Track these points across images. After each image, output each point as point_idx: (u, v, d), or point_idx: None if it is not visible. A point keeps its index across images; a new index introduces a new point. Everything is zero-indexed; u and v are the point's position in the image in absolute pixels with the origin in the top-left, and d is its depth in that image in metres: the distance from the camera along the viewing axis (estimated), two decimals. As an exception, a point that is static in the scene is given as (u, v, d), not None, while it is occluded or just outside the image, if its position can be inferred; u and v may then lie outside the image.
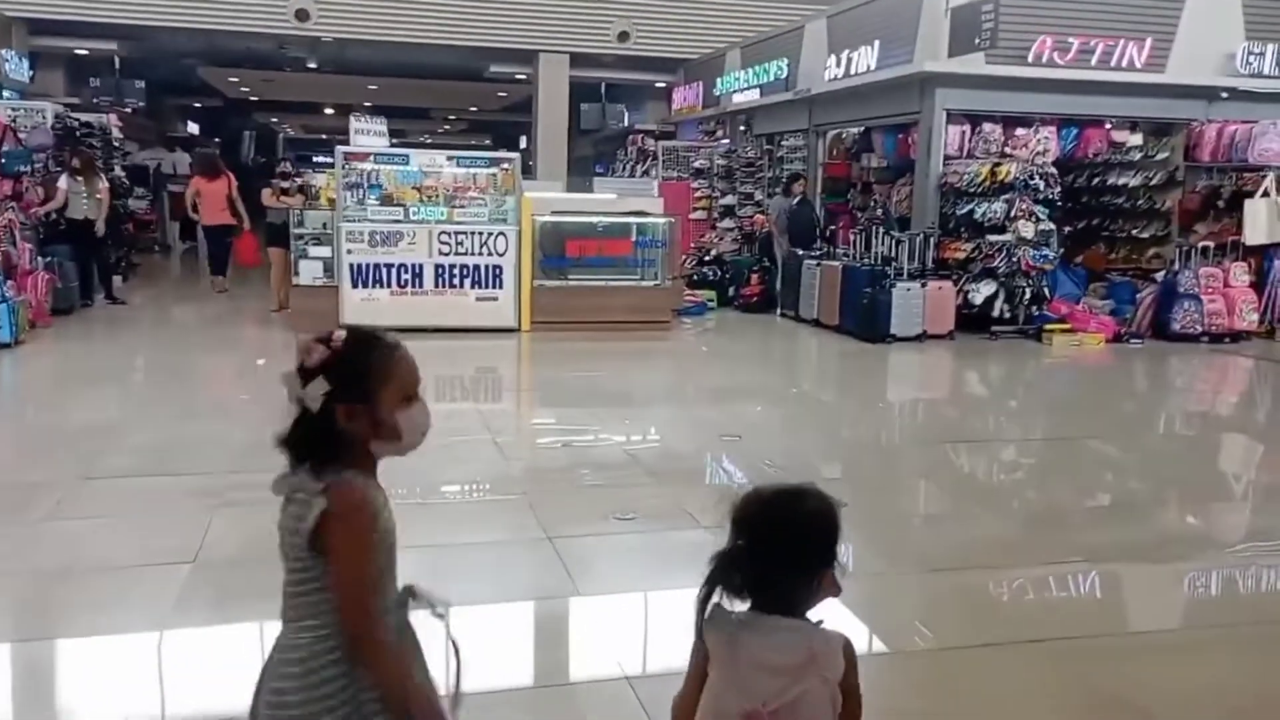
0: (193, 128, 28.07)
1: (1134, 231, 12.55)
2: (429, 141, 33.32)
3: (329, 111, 32.12)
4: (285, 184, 11.82)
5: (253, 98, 28.75)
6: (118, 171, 14.50)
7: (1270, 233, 10.89)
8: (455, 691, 1.82)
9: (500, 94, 24.61)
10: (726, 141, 16.68)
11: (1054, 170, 10.95)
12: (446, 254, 10.23)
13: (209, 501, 4.88)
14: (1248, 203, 10.89)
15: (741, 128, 16.06)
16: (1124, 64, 11.21)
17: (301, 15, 16.83)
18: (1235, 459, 7.18)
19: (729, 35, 17.41)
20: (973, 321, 10.66)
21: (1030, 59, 10.98)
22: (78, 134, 13.52)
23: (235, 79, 24.67)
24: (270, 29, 17.20)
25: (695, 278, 13.13)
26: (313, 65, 20.44)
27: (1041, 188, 10.70)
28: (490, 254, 10.32)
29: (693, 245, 14.28)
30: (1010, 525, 5.19)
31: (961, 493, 5.80)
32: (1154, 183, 12.15)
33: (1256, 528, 5.38)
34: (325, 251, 10.26)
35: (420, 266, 10.20)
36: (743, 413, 7.47)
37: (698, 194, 16.14)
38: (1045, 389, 9.41)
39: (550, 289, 10.59)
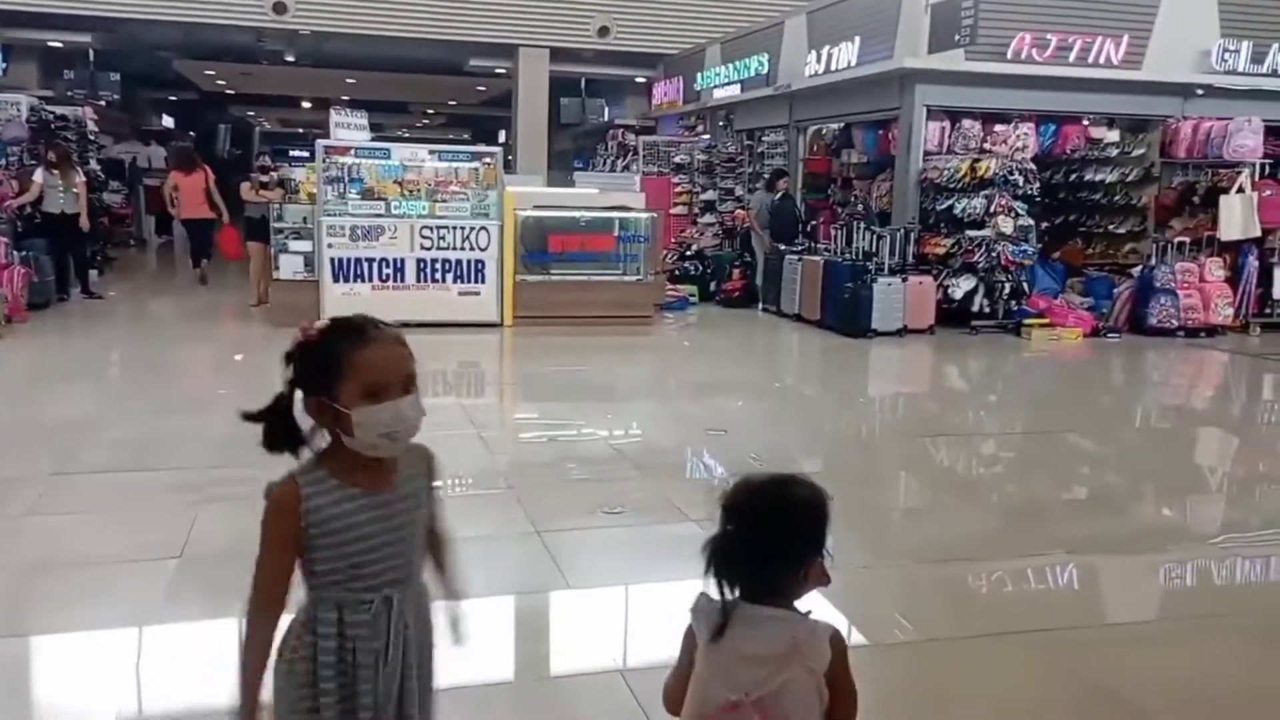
0: (168, 121, 27.76)
1: (1111, 227, 12.68)
2: (407, 135, 33.14)
3: (306, 105, 31.89)
4: (264, 178, 11.74)
5: (229, 91, 28.48)
6: (93, 165, 14.36)
7: (1245, 228, 11.03)
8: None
9: (479, 88, 24.49)
10: (707, 137, 16.70)
11: (1033, 166, 11.05)
12: (428, 249, 10.20)
13: (192, 496, 4.85)
14: (1223, 199, 11.02)
15: (722, 123, 16.08)
16: (1101, 61, 11.31)
17: (279, 8, 16.68)
18: (1211, 452, 7.27)
19: (709, 30, 17.41)
20: (953, 316, 10.74)
21: (1009, 55, 11.05)
22: (52, 127, 13.37)
23: (212, 72, 24.42)
24: (247, 22, 17.02)
25: (677, 273, 13.15)
26: (290, 58, 20.28)
27: (1020, 183, 10.79)
28: (472, 249, 10.29)
29: (673, 240, 14.30)
30: (991, 518, 5.24)
31: (943, 486, 5.85)
32: (1130, 179, 12.28)
33: (1233, 519, 5.46)
34: (306, 246, 10.20)
35: (402, 261, 10.16)
36: (727, 407, 7.49)
37: (678, 189, 16.16)
38: (1025, 383, 9.50)
39: (533, 284, 10.58)
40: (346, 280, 10.05)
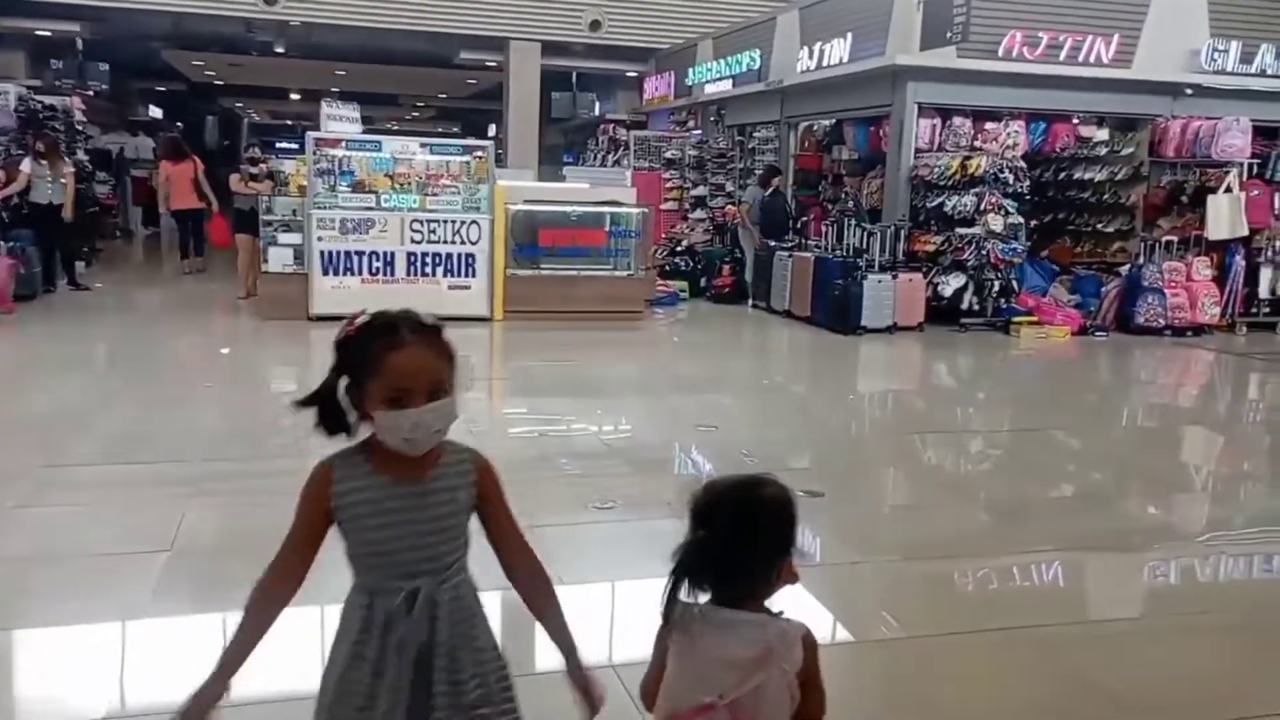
0: (156, 112, 27.62)
1: (1099, 226, 12.72)
2: (396, 128, 33.04)
3: (295, 97, 31.76)
4: (253, 170, 11.69)
5: (218, 82, 28.36)
6: (80, 155, 14.26)
7: (1232, 228, 11.09)
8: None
9: (470, 81, 24.43)
10: (698, 132, 16.69)
11: (1023, 164, 11.09)
12: (419, 242, 10.17)
13: (181, 490, 4.84)
14: (1210, 198, 11.08)
15: (713, 119, 16.08)
16: (1091, 59, 11.36)
17: (269, -1, 16.62)
18: (1197, 450, 7.32)
19: (701, 25, 17.41)
20: (942, 313, 10.78)
21: (1000, 53, 11.09)
22: (40, 117, 13.28)
23: (200, 62, 24.31)
24: (237, 12, 16.96)
25: (667, 268, 13.16)
26: (280, 50, 20.17)
27: (1011, 181, 10.83)
28: (463, 242, 10.27)
29: (664, 236, 14.30)
30: (979, 515, 5.27)
31: (931, 483, 5.88)
32: (1119, 178, 12.32)
33: (1220, 517, 5.51)
34: (295, 238, 10.15)
35: (392, 254, 10.13)
36: (717, 403, 7.51)
37: (669, 184, 16.15)
38: (1013, 381, 9.54)
39: (523, 278, 10.56)
40: (336, 273, 10.01)
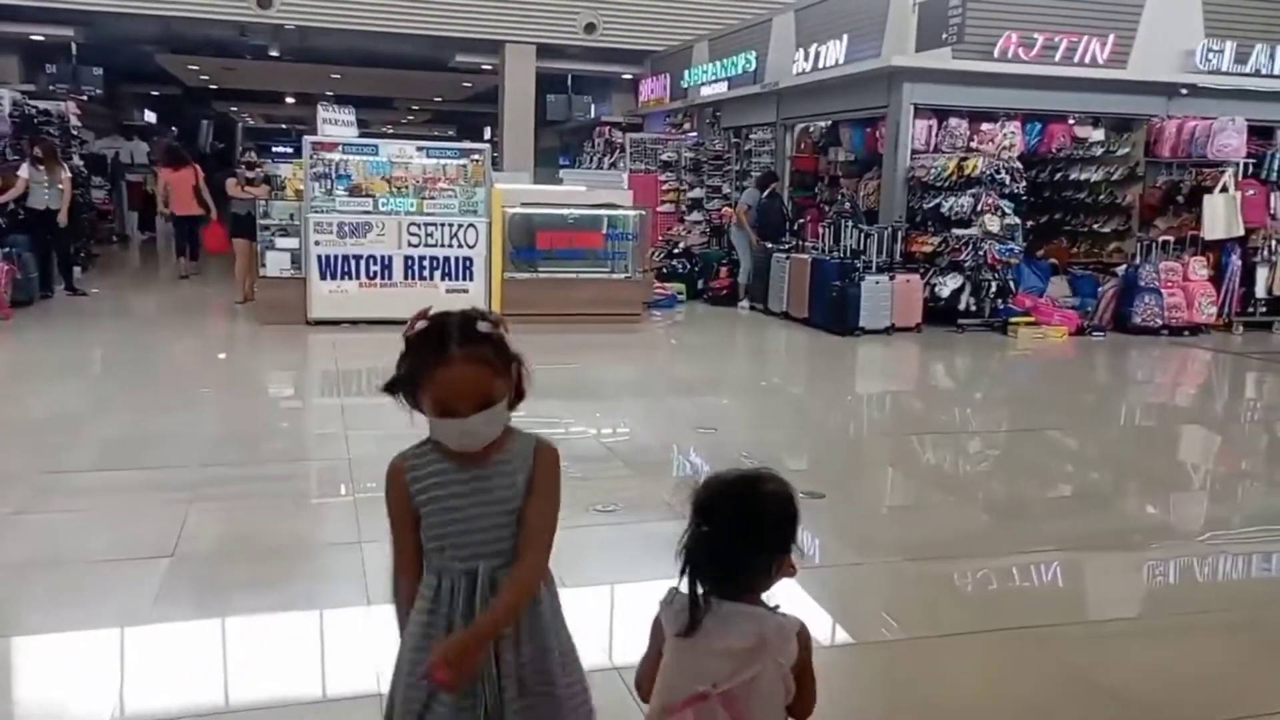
0: (150, 116, 27.60)
1: (1095, 226, 12.76)
2: (391, 132, 33.03)
3: (290, 101, 31.73)
4: (250, 174, 11.68)
5: (212, 86, 28.32)
6: (76, 161, 14.25)
7: (1228, 227, 11.12)
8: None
9: (465, 84, 24.43)
10: (694, 134, 16.70)
11: (1019, 165, 11.10)
12: (416, 246, 10.17)
13: (182, 495, 4.83)
14: (1206, 198, 11.10)
15: (709, 121, 16.09)
16: (1087, 60, 11.38)
17: (263, 2, 16.58)
18: (1195, 450, 7.33)
19: (696, 27, 17.42)
20: (939, 314, 10.80)
21: (996, 54, 11.11)
22: (35, 122, 13.26)
23: (195, 67, 24.26)
24: (231, 16, 16.93)
25: (665, 270, 13.16)
26: (274, 53, 20.18)
27: (1007, 182, 10.85)
28: (460, 246, 10.27)
29: (660, 238, 14.31)
30: (978, 515, 5.27)
31: (929, 484, 5.87)
32: (1115, 178, 12.35)
33: (1219, 516, 5.51)
34: (292, 243, 10.14)
35: (389, 258, 10.12)
36: (716, 405, 7.52)
37: (666, 187, 16.15)
38: (1011, 381, 9.55)
39: (521, 281, 10.56)
40: (334, 277, 10.01)
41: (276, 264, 10.15)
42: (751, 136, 14.69)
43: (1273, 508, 5.62)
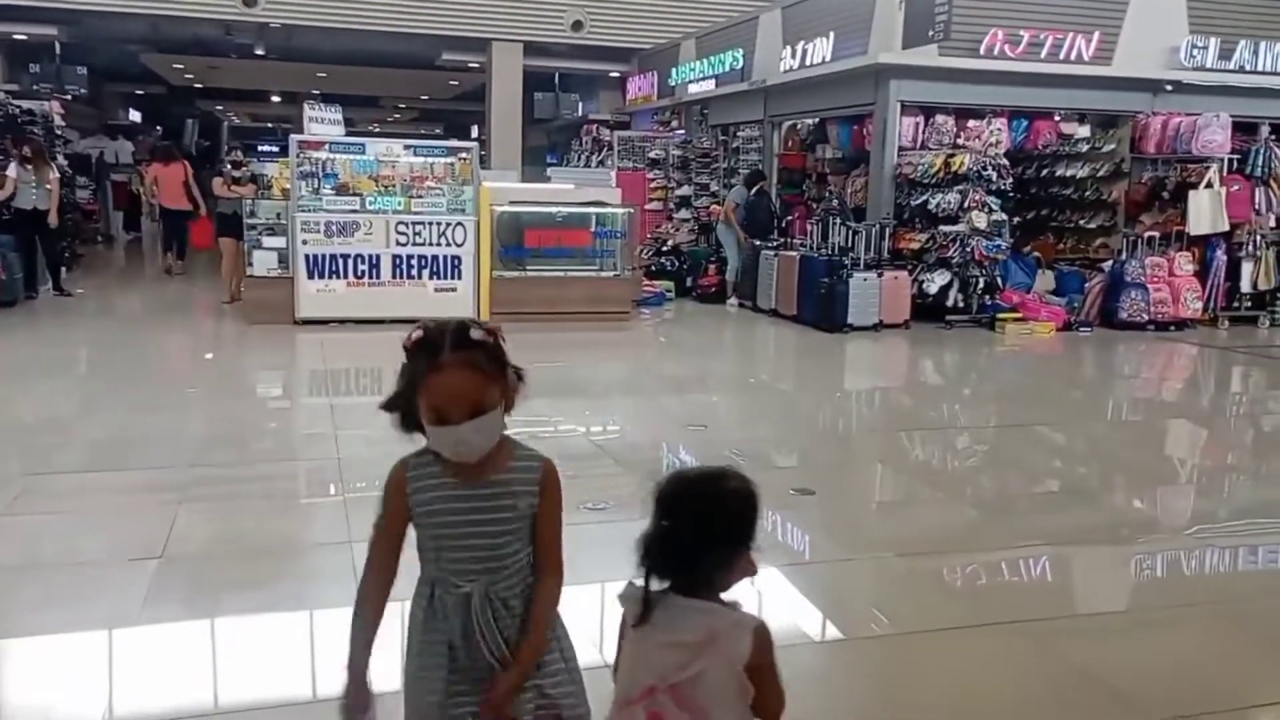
0: (135, 115, 27.43)
1: (1082, 222, 12.79)
2: (378, 130, 32.92)
3: (276, 99, 31.59)
4: (236, 173, 11.63)
5: (198, 85, 28.16)
6: (60, 160, 14.16)
7: (1213, 223, 11.17)
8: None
9: (452, 82, 24.35)
10: (682, 132, 16.70)
11: (1006, 162, 11.14)
12: (404, 244, 10.14)
13: (170, 496, 4.80)
14: (1191, 194, 11.15)
15: (697, 118, 16.09)
16: (1072, 57, 11.44)
17: (248, 1, 16.52)
18: (1182, 444, 7.37)
19: (683, 25, 17.42)
20: (927, 311, 10.83)
21: (982, 51, 11.15)
22: (19, 121, 13.17)
23: (180, 65, 24.13)
24: (216, 14, 16.86)
25: (653, 268, 13.16)
26: (260, 52, 20.06)
27: (994, 179, 10.88)
28: (448, 244, 10.24)
29: (649, 236, 14.31)
30: (967, 510, 5.29)
31: (919, 479, 5.89)
32: (1101, 174, 12.38)
33: (1207, 510, 5.55)
34: (279, 242, 10.10)
35: (377, 257, 10.10)
36: (705, 402, 7.53)
37: (654, 184, 16.14)
38: (999, 377, 9.58)
39: (509, 280, 10.54)
40: (321, 276, 9.98)
41: (264, 263, 10.11)
42: (739, 134, 14.70)
43: (1259, 501, 5.67)
